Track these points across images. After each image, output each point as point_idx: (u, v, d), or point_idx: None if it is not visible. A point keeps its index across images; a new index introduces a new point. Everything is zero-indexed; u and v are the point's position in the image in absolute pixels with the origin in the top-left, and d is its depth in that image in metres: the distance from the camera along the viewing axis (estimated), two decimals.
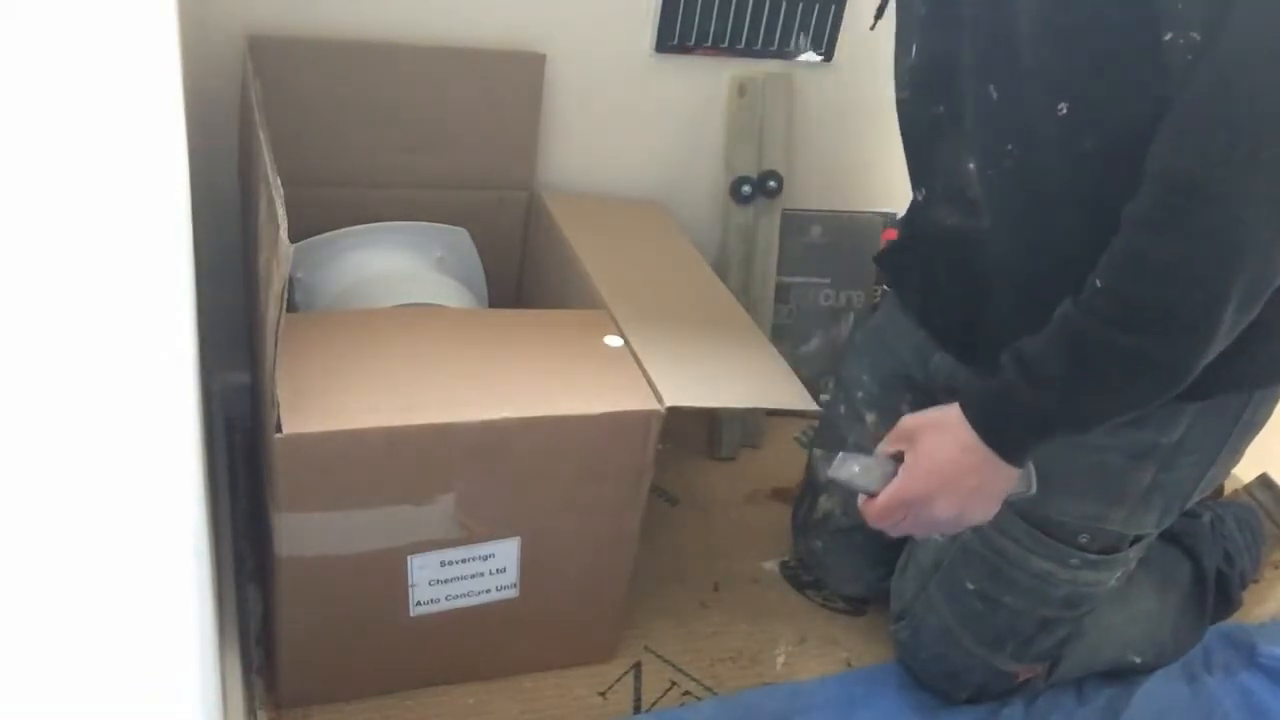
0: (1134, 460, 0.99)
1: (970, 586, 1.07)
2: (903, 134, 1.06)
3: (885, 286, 1.31)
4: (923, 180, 1.04)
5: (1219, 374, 0.89)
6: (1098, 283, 0.80)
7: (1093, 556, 1.03)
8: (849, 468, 0.94)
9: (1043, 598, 1.05)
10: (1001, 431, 0.86)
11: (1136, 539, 1.04)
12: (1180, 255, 0.76)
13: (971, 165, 0.95)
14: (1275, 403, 1.02)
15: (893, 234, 1.25)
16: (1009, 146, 0.89)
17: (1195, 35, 0.74)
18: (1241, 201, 0.74)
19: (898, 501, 0.91)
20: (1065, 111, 0.83)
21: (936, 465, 0.88)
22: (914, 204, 1.07)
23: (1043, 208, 0.90)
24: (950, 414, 0.88)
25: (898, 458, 0.92)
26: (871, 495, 0.93)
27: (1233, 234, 0.75)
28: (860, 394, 1.21)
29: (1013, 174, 0.90)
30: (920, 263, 1.11)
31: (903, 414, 1.15)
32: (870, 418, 1.19)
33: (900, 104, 1.03)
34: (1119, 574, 1.07)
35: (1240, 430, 1.00)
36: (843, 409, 1.22)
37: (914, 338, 1.13)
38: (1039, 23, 0.82)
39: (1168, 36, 0.75)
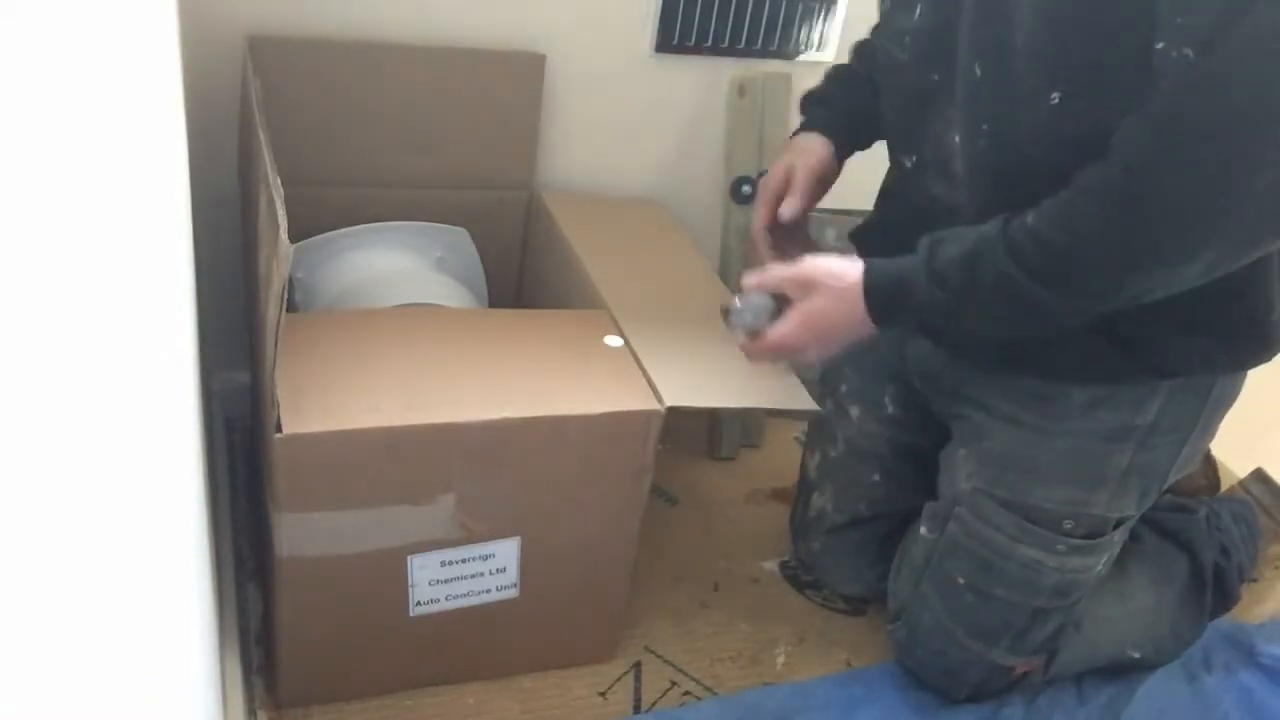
0: (1110, 443, 1.00)
1: (961, 581, 1.08)
2: (895, 96, 1.05)
3: None
4: (912, 147, 1.03)
5: (1188, 356, 0.95)
6: (1029, 220, 0.83)
7: (1078, 541, 1.04)
8: (741, 315, 0.99)
9: (1033, 587, 1.05)
10: (888, 310, 0.91)
11: (1119, 522, 1.06)
12: (1106, 230, 0.80)
13: (956, 138, 0.95)
14: (1243, 380, 1.04)
15: None
16: (984, 126, 0.90)
17: (1188, 52, 0.75)
18: (1185, 210, 0.78)
19: (780, 347, 0.96)
20: (1058, 101, 0.84)
21: (825, 326, 0.94)
22: (902, 173, 1.06)
23: (1013, 187, 0.91)
24: (849, 279, 0.92)
25: (780, 298, 0.96)
26: (757, 334, 0.98)
27: (1160, 235, 0.79)
28: (844, 388, 1.22)
29: (986, 154, 0.91)
30: (898, 241, 1.11)
31: (886, 405, 1.18)
32: (855, 411, 1.21)
33: (898, 66, 1.02)
34: (1105, 559, 1.08)
35: (1211, 408, 1.02)
36: (829, 404, 1.24)
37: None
38: (1038, 11, 0.83)
39: (1159, 45, 0.76)
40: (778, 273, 0.96)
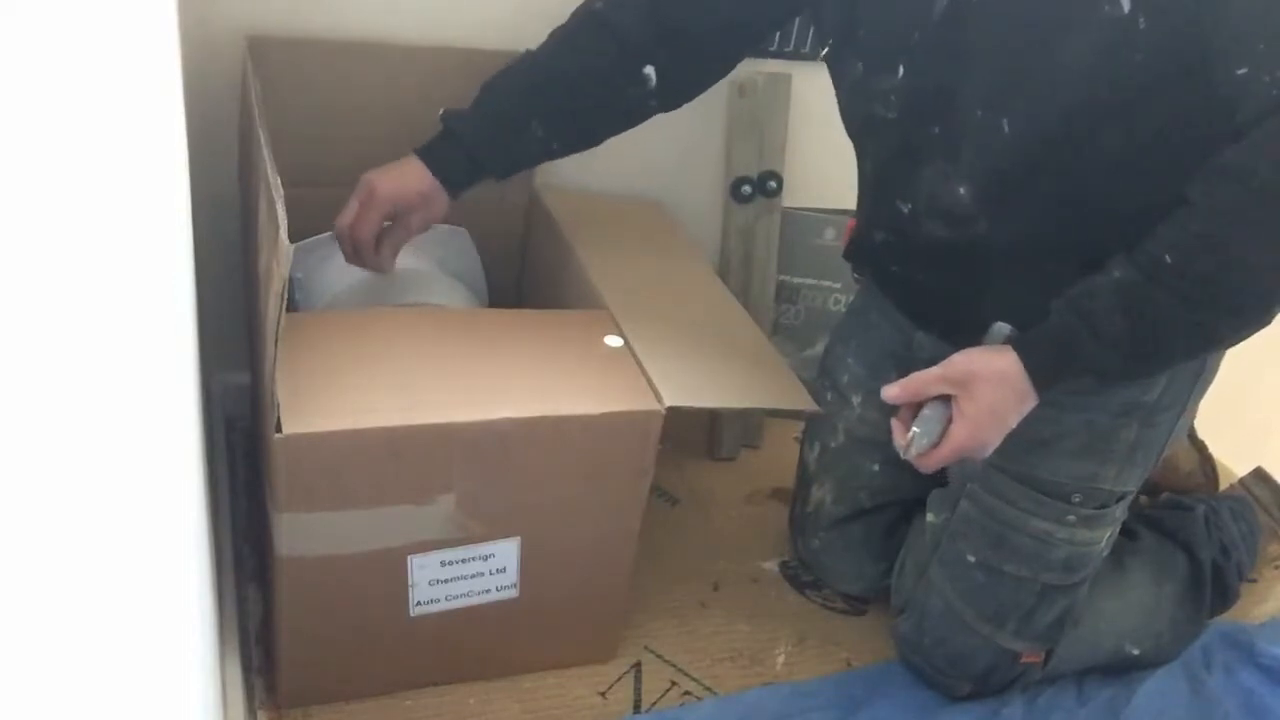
0: (1120, 419, 1.04)
1: (971, 559, 1.09)
2: (881, 150, 1.07)
3: (856, 276, 1.32)
4: (907, 196, 1.04)
5: None
6: (1167, 259, 0.84)
7: (1088, 512, 1.06)
8: (922, 438, 0.95)
9: (1043, 561, 1.07)
10: (1056, 379, 0.91)
11: (1121, 496, 1.09)
12: (1258, 251, 0.82)
13: (962, 190, 0.97)
14: (1220, 361, 1.09)
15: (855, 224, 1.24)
16: (1017, 174, 0.93)
17: None
18: None
19: (958, 452, 0.94)
20: (1100, 132, 0.87)
21: (997, 416, 0.92)
22: (897, 217, 1.06)
23: (1050, 208, 0.95)
24: (1006, 363, 0.91)
25: (945, 400, 0.94)
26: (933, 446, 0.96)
27: None
28: (846, 378, 1.23)
29: (1019, 184, 0.94)
30: (904, 265, 1.13)
31: None
32: (856, 400, 1.21)
33: (882, 123, 1.03)
34: (1109, 534, 1.10)
35: (1199, 388, 1.08)
36: (830, 395, 1.24)
37: (895, 317, 1.17)
38: (1091, 61, 0.85)
39: (1242, 71, 0.79)
40: (926, 376, 0.95)
